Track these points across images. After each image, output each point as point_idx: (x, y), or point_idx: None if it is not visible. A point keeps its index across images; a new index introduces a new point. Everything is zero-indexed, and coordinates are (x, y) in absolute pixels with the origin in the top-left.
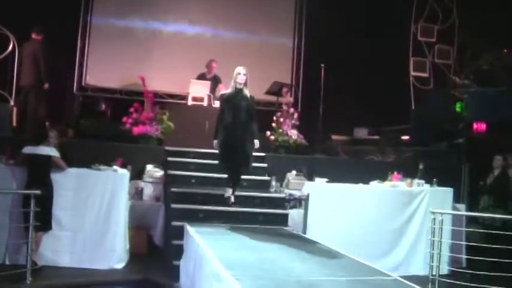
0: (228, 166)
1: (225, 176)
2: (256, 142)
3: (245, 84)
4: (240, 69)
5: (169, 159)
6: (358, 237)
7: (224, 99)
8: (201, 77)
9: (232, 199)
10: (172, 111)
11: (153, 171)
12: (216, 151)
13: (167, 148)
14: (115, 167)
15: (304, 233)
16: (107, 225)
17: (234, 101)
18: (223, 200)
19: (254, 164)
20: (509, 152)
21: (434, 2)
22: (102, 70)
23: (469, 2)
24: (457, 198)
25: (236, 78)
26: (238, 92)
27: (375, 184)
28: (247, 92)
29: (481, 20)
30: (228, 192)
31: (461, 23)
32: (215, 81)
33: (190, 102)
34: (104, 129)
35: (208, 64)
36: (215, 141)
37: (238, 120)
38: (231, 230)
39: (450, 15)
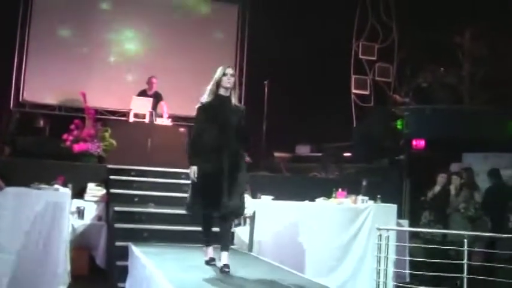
0: (207, 213)
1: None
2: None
3: (233, 89)
4: (226, 69)
5: (112, 177)
6: (305, 254)
7: (204, 109)
8: (142, 93)
9: (226, 265)
10: (114, 128)
11: (94, 189)
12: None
13: (109, 166)
14: (56, 185)
15: (250, 250)
16: (47, 246)
17: (218, 113)
18: (167, 219)
19: None
20: (446, 167)
21: (374, 20)
22: (41, 86)
23: (408, 21)
24: (399, 214)
25: (220, 81)
26: (223, 100)
27: (320, 201)
28: (236, 101)
29: (420, 39)
30: (208, 253)
31: (400, 41)
32: (156, 98)
33: (132, 119)
34: (43, 146)
35: (148, 80)
36: (193, 168)
37: (226, 141)
38: (177, 249)
39: (390, 34)
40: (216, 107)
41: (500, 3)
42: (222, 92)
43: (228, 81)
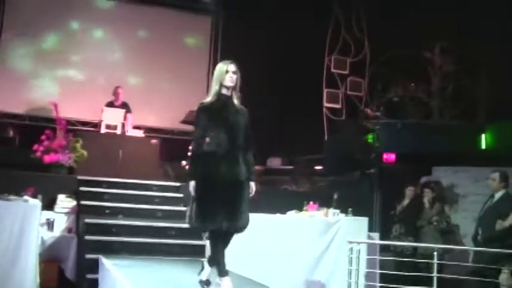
0: (216, 228)
1: (204, 241)
2: (252, 186)
3: (234, 88)
4: (229, 66)
5: (82, 189)
6: (276, 267)
7: (205, 109)
8: (110, 105)
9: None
10: (85, 139)
11: (65, 201)
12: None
13: (80, 177)
14: (25, 197)
15: None
16: (16, 258)
17: (223, 114)
18: (138, 231)
19: (170, 194)
20: (416, 181)
21: (347, 35)
22: (10, 95)
23: (380, 36)
24: (370, 227)
25: (222, 80)
26: (226, 100)
27: (292, 214)
28: (237, 102)
29: (391, 54)
30: (205, 273)
31: (372, 56)
32: (125, 109)
33: (103, 130)
34: (12, 157)
35: (114, 91)
36: (192, 183)
37: (234, 146)
38: (149, 262)
39: (362, 49)
40: (219, 107)
41: (469, 20)
42: (224, 91)
43: (231, 79)
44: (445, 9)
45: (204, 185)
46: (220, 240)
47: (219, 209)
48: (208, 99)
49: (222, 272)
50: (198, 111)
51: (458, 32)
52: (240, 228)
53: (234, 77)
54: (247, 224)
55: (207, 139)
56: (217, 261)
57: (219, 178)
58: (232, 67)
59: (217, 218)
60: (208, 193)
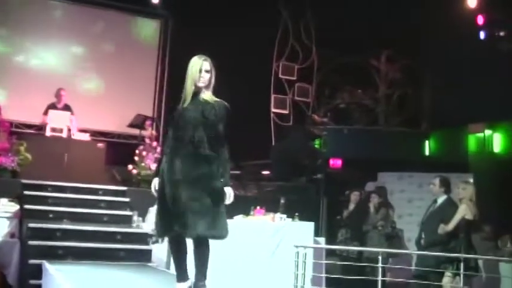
0: (173, 235)
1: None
2: (229, 193)
3: (207, 87)
4: (201, 63)
5: (26, 192)
6: (223, 271)
7: (173, 111)
8: (51, 107)
9: None
10: (30, 142)
11: (7, 205)
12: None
13: (23, 181)
14: None
15: (168, 268)
16: None
17: (184, 112)
18: (83, 236)
19: (116, 199)
20: (362, 186)
21: (295, 42)
22: None
23: (327, 44)
24: (316, 232)
25: (194, 77)
26: (193, 97)
27: (239, 218)
28: (208, 97)
29: (338, 61)
30: None
31: (320, 63)
32: (68, 111)
33: (48, 133)
34: None
35: (57, 93)
36: (155, 180)
37: (188, 144)
38: (94, 267)
39: (310, 55)
40: (186, 107)
41: (414, 29)
42: (194, 89)
43: (201, 79)
44: (392, 18)
45: (158, 190)
46: (185, 253)
47: (171, 218)
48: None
49: (197, 282)
50: (171, 112)
51: (404, 41)
52: (192, 235)
53: (207, 76)
54: (215, 235)
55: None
56: (181, 275)
57: (171, 183)
58: (206, 65)
59: (172, 227)
60: (161, 199)
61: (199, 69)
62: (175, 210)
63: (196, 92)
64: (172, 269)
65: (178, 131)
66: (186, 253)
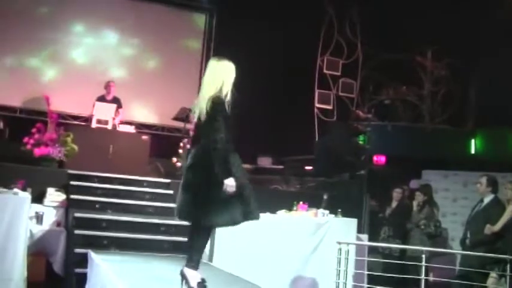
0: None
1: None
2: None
3: None
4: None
5: (72, 183)
6: (265, 266)
7: (226, 106)
8: (101, 99)
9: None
10: (76, 133)
11: (54, 194)
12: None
13: (70, 171)
14: (15, 189)
15: (211, 261)
16: (4, 252)
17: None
18: (127, 227)
19: (160, 191)
20: (405, 183)
21: (340, 37)
22: (2, 86)
23: (373, 39)
24: (358, 228)
25: (231, 80)
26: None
27: (282, 213)
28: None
29: (384, 57)
30: (193, 279)
31: (364, 58)
32: (116, 104)
33: (94, 124)
34: (3, 149)
35: (106, 85)
36: (232, 179)
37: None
38: (138, 258)
39: (355, 51)
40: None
41: (461, 25)
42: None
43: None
44: (438, 14)
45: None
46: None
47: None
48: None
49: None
50: (223, 104)
51: (450, 37)
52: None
53: None
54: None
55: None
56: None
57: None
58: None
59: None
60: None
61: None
62: None
63: None
64: (216, 262)
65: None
66: None
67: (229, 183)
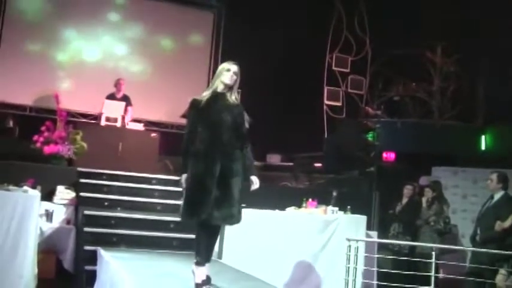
0: (201, 223)
1: (195, 237)
2: (255, 180)
3: (231, 88)
4: (232, 65)
5: (82, 180)
6: (274, 263)
7: (195, 105)
8: (111, 97)
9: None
10: (85, 131)
11: (64, 192)
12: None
13: (79, 169)
14: (25, 187)
15: (220, 258)
16: (15, 249)
17: (209, 111)
18: (137, 224)
19: (169, 188)
20: (415, 180)
21: (348, 33)
22: (11, 85)
23: (382, 36)
24: (368, 225)
25: (221, 77)
26: (217, 97)
27: (291, 210)
28: (233, 99)
29: (393, 53)
30: (200, 274)
31: (373, 55)
32: (126, 102)
33: (103, 122)
34: (12, 147)
35: (116, 83)
36: (183, 176)
37: (219, 143)
38: (147, 255)
39: (363, 47)
40: (208, 105)
41: (470, 21)
42: (220, 89)
43: (230, 78)
44: (447, 10)
45: (191, 180)
46: (207, 240)
47: (202, 207)
48: (203, 94)
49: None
50: (189, 105)
51: (460, 33)
52: (218, 222)
53: (234, 77)
54: (227, 219)
55: (195, 133)
56: (203, 256)
57: (204, 177)
58: (234, 67)
59: (201, 214)
60: (193, 189)
61: (228, 69)
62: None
63: (222, 93)
64: (225, 259)
65: (203, 130)
66: None
67: (181, 180)
